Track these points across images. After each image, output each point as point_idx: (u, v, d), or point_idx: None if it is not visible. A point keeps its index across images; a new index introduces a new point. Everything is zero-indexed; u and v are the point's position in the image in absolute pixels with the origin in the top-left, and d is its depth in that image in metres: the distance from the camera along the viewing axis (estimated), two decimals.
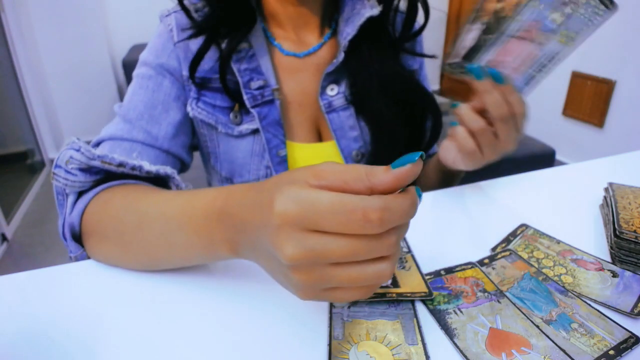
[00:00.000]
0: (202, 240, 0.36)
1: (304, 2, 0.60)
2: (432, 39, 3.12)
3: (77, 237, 0.47)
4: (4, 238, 1.91)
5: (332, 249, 0.25)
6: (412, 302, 0.38)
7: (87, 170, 0.46)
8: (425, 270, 0.42)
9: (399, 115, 0.62)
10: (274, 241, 0.26)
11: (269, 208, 0.26)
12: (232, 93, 0.58)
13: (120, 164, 0.47)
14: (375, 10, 0.57)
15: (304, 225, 0.25)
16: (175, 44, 0.58)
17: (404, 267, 0.42)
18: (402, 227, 0.27)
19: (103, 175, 0.48)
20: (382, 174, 0.26)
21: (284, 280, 0.29)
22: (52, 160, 2.68)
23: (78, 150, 0.45)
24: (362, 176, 0.26)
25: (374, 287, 0.29)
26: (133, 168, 0.48)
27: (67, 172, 0.45)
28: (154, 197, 0.42)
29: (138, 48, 2.86)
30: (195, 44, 0.57)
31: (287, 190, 0.26)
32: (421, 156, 0.26)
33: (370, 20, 0.57)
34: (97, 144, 0.54)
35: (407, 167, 0.25)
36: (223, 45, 0.56)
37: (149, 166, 0.49)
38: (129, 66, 2.66)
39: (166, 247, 0.39)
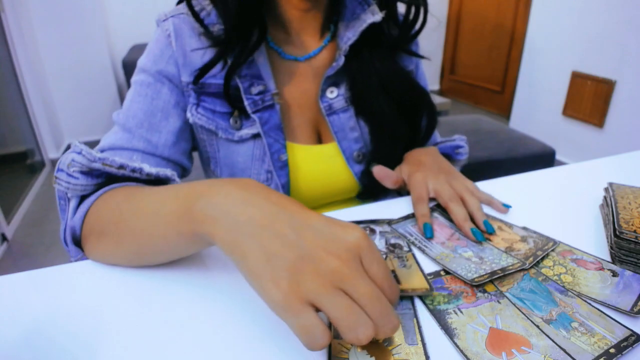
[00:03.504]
0: (180, 208, 0.36)
1: (310, 7, 0.59)
2: (431, 40, 3.12)
3: (78, 241, 0.47)
4: (4, 238, 1.91)
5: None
6: (412, 302, 0.38)
7: (88, 173, 0.47)
8: (425, 271, 0.42)
9: (398, 113, 0.62)
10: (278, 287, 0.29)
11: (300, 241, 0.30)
12: (233, 100, 0.57)
13: (121, 166, 0.47)
14: (378, 17, 0.57)
15: (336, 284, 0.29)
16: (175, 50, 0.57)
17: (405, 266, 0.42)
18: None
19: (104, 179, 0.48)
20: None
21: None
22: (52, 160, 2.69)
23: (79, 153, 0.45)
24: None
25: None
26: (133, 170, 0.48)
27: (69, 175, 0.46)
28: (151, 190, 0.42)
29: (138, 48, 2.85)
30: (193, 48, 0.57)
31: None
32: None
33: (372, 24, 0.57)
34: None
35: None
36: (229, 58, 0.56)
37: (149, 168, 0.49)
38: (129, 66, 2.66)
39: (151, 237, 0.39)
